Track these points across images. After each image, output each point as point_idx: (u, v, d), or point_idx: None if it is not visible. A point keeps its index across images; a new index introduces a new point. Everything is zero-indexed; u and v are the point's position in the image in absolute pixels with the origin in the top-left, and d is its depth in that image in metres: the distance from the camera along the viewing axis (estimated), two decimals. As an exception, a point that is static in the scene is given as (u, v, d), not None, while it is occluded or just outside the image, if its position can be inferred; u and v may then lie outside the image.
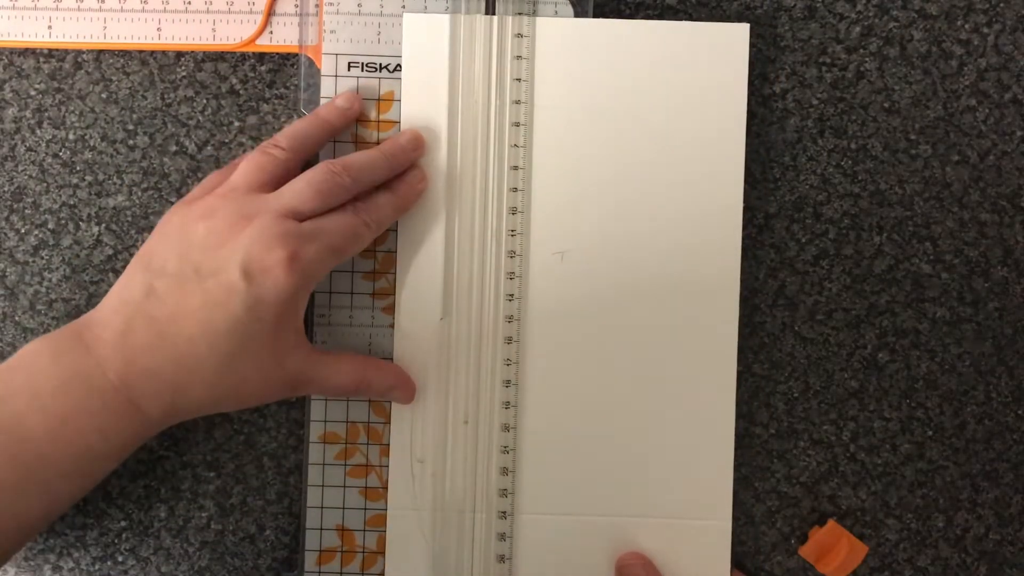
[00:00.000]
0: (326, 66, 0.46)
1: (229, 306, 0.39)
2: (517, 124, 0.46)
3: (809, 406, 0.48)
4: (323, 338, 0.46)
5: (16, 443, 0.39)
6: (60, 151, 0.48)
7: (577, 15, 0.46)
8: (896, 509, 0.48)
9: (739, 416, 0.47)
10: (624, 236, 0.46)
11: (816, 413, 0.48)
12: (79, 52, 0.48)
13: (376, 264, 0.46)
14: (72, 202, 0.48)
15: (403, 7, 0.46)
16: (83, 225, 0.48)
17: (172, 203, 0.47)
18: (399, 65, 0.46)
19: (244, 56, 0.48)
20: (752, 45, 0.47)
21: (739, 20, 0.48)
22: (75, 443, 0.40)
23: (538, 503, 0.46)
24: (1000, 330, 0.48)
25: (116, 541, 0.47)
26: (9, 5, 0.46)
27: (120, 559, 0.47)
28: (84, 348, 0.40)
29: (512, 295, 0.46)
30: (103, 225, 0.48)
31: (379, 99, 0.46)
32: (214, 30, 0.47)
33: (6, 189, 0.48)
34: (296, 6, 0.47)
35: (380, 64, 0.46)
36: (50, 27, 0.47)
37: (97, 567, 0.47)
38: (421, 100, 0.46)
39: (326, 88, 0.46)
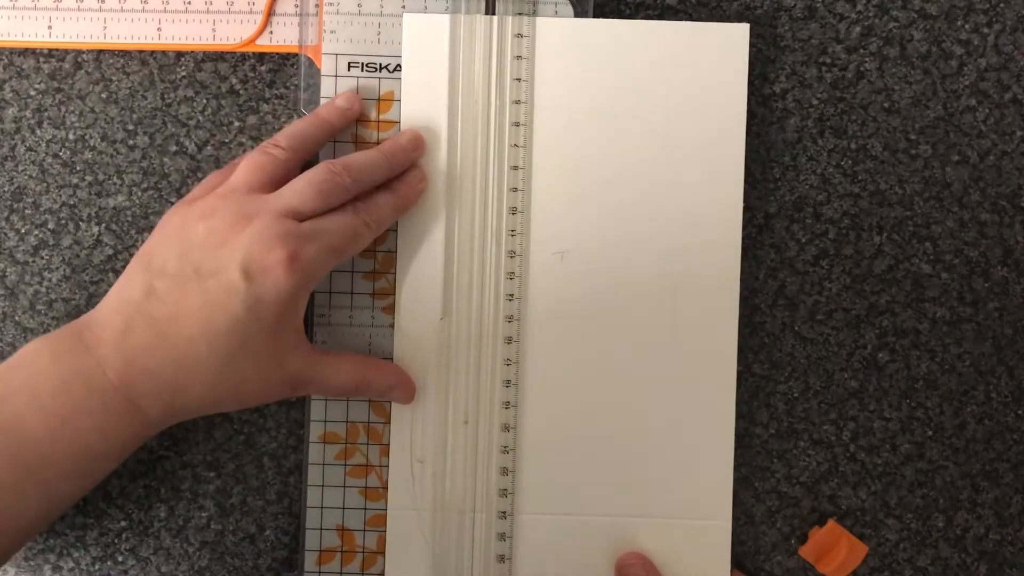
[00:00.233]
0: (326, 66, 0.46)
1: (229, 306, 0.39)
2: (517, 124, 0.46)
3: (809, 406, 0.48)
4: (323, 338, 0.46)
5: (16, 443, 0.39)
6: (60, 151, 0.48)
7: (577, 15, 0.46)
8: (896, 509, 0.48)
9: (739, 416, 0.47)
10: (624, 236, 0.46)
11: (816, 413, 0.48)
12: (79, 52, 0.48)
13: (376, 264, 0.46)
14: (72, 202, 0.48)
15: (403, 7, 0.46)
16: (83, 225, 0.48)
17: (172, 203, 0.47)
18: (399, 65, 0.46)
19: (244, 56, 0.48)
20: (752, 45, 0.47)
21: (739, 20, 0.48)
22: (75, 443, 0.40)
23: (538, 503, 0.46)
24: (1000, 330, 0.48)
25: (116, 541, 0.47)
26: (9, 5, 0.46)
27: (120, 559, 0.47)
28: (84, 348, 0.40)
29: (512, 295, 0.46)
30: (103, 225, 0.48)
31: (379, 99, 0.46)
32: (214, 30, 0.47)
33: (6, 189, 0.48)
34: (296, 6, 0.47)
35: (380, 64, 0.46)
36: (50, 27, 0.47)
37: (97, 567, 0.47)
38: (421, 100, 0.46)
39: (326, 88, 0.46)
